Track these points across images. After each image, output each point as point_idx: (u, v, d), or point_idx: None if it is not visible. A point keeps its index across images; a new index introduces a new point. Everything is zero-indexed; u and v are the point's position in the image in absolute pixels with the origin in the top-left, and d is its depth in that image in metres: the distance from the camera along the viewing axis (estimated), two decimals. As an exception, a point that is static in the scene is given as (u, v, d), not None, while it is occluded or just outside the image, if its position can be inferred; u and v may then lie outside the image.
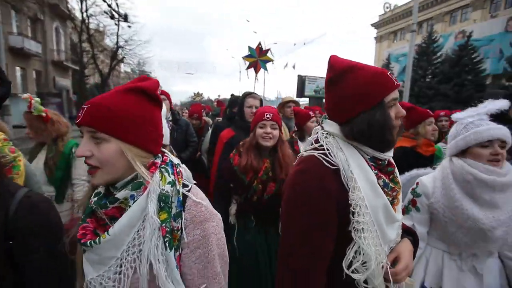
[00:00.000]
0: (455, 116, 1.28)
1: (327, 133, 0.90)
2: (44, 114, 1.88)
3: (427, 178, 1.32)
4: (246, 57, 9.81)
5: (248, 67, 10.09)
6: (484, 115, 1.20)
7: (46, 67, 20.28)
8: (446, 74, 22.13)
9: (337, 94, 0.88)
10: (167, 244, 0.70)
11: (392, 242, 0.90)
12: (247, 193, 1.51)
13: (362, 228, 0.79)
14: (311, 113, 2.39)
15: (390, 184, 0.87)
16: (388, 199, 0.85)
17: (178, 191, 0.76)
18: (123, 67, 25.69)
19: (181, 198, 0.76)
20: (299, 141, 2.30)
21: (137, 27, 18.23)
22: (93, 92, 28.01)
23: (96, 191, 0.77)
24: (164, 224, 0.70)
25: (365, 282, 0.81)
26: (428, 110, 2.64)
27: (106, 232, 0.70)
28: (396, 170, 0.94)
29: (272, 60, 10.39)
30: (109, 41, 20.82)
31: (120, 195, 0.71)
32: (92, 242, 0.69)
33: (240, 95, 3.46)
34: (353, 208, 0.80)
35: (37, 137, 1.94)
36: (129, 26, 17.61)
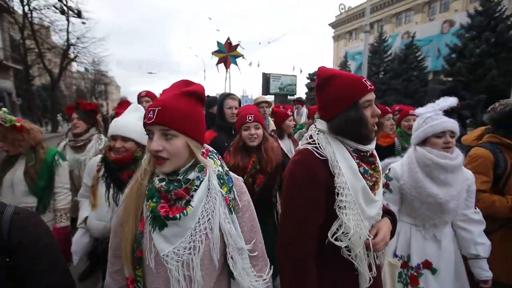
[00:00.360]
0: (417, 111, 1.56)
1: (318, 130, 1.08)
2: (18, 124, 1.78)
3: (397, 165, 1.53)
4: (215, 53, 9.59)
5: (218, 63, 9.93)
6: (439, 111, 1.43)
7: (-20, 67, 17.79)
8: (395, 71, 24.39)
9: (323, 98, 1.07)
10: (232, 209, 0.90)
11: (372, 219, 1.07)
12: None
13: (345, 206, 0.97)
14: (289, 112, 2.59)
15: (370, 171, 1.04)
16: (368, 184, 1.02)
17: (226, 172, 0.96)
18: (76, 67, 23.39)
19: (230, 177, 0.96)
20: (279, 140, 2.49)
21: (91, 24, 16.55)
22: (40, 94, 25.05)
23: (158, 178, 0.86)
24: (227, 195, 0.90)
25: (349, 251, 1.00)
26: (386, 107, 3.02)
27: (190, 205, 0.83)
28: (378, 161, 1.12)
29: (242, 55, 10.39)
30: (58, 38, 18.61)
31: (191, 176, 0.85)
32: (182, 214, 0.80)
33: (211, 95, 3.48)
34: (338, 190, 0.98)
35: (14, 150, 1.81)
36: (83, 23, 15.94)
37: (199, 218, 0.85)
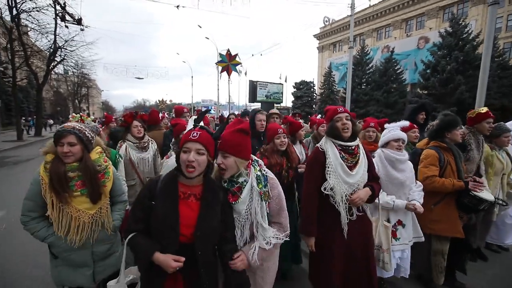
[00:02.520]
0: (386, 125, 2.21)
1: (325, 136, 1.87)
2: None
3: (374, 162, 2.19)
4: (219, 63, 10.74)
5: (222, 71, 11.21)
6: (397, 127, 2.19)
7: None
8: (377, 82, 25.70)
9: (326, 118, 1.91)
10: (262, 198, 1.40)
11: (352, 185, 1.76)
12: (280, 179, 2.18)
13: (330, 173, 1.75)
14: (302, 124, 3.22)
15: (346, 157, 1.78)
16: (346, 164, 1.76)
17: (263, 174, 1.47)
18: (59, 70, 22.73)
19: (266, 177, 1.47)
20: (292, 145, 3.06)
21: (79, 28, 16.21)
22: (16, 96, 24.06)
23: (222, 181, 1.42)
24: (261, 190, 1.40)
25: (333, 198, 1.74)
26: (368, 121, 3.60)
27: (240, 197, 1.37)
28: (359, 154, 1.82)
29: (240, 63, 11.53)
30: (43, 40, 18.07)
31: (240, 180, 1.39)
32: (237, 201, 1.37)
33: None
34: (327, 165, 1.76)
35: None
36: (82, 30, 15.75)
37: (247, 204, 1.38)
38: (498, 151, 2.64)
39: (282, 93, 28.88)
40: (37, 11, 15.68)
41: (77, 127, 1.56)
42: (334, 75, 33.54)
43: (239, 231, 1.40)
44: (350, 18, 14.11)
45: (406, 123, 2.22)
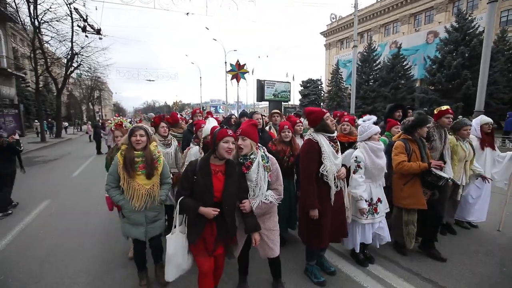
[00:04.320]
0: (360, 122, 2.71)
1: (313, 131, 2.39)
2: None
3: (358, 152, 2.61)
4: (229, 72, 11.95)
5: (232, 79, 12.30)
6: (371, 122, 2.66)
7: (-15, 75, 18.34)
8: (384, 79, 25.66)
9: (311, 119, 2.35)
10: (265, 171, 2.05)
11: (337, 165, 2.36)
12: (282, 163, 2.80)
13: (325, 159, 2.27)
14: (297, 120, 3.77)
15: (333, 145, 2.34)
16: (333, 151, 2.31)
17: (266, 154, 2.13)
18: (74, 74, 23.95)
19: (268, 156, 2.11)
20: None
21: (95, 35, 17.18)
22: (34, 99, 25.50)
23: (239, 158, 2.04)
24: (264, 164, 2.05)
25: (326, 178, 2.28)
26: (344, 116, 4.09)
27: (250, 168, 2.01)
28: (338, 143, 2.43)
29: (248, 71, 12.53)
30: (62, 48, 19.30)
31: (252, 156, 2.03)
32: (248, 172, 2.01)
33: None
34: (323, 152, 2.29)
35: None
36: (100, 39, 16.76)
37: (256, 174, 2.00)
38: (462, 142, 3.13)
39: (289, 91, 29.26)
40: (57, 21, 16.80)
41: (144, 126, 2.27)
42: (341, 72, 33.50)
43: (251, 192, 2.02)
44: (354, 18, 14.43)
45: (374, 117, 2.73)
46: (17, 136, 4.87)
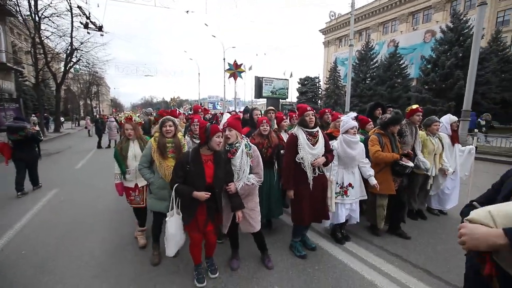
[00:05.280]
0: (342, 118, 3.08)
1: (297, 126, 2.75)
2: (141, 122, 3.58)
3: (335, 143, 3.03)
4: (227, 70, 12.69)
5: (229, 77, 13.03)
6: (351, 118, 3.00)
7: (-16, 69, 18.46)
8: (381, 77, 26.00)
9: (298, 113, 2.88)
10: (248, 157, 2.47)
11: (315, 155, 2.71)
12: (261, 154, 3.08)
13: (300, 149, 2.70)
14: (284, 117, 4.11)
15: (310, 138, 2.73)
16: (309, 143, 2.71)
17: (248, 143, 2.53)
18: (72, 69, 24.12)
19: (250, 145, 2.50)
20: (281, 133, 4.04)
21: (94, 31, 17.32)
22: (32, 94, 25.79)
23: (226, 146, 2.44)
24: (247, 151, 2.47)
25: (303, 164, 2.69)
26: (336, 115, 4.47)
27: (235, 155, 2.42)
28: (318, 136, 2.77)
29: (244, 71, 13.21)
30: (62, 43, 19.45)
31: (237, 145, 2.45)
32: (233, 157, 2.42)
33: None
34: (299, 144, 2.72)
35: (134, 136, 3.10)
36: (102, 35, 16.96)
37: (239, 160, 2.37)
38: (432, 137, 3.52)
39: (287, 88, 29.57)
40: (57, 16, 16.96)
41: (172, 118, 2.77)
42: (339, 70, 33.71)
43: (236, 175, 2.39)
44: (351, 17, 14.73)
45: (354, 114, 3.14)
46: (37, 128, 5.56)
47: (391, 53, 26.11)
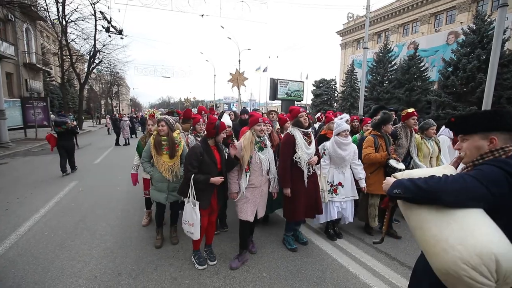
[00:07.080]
0: (335, 119, 3.21)
1: (292, 126, 2.90)
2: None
3: (328, 143, 3.19)
4: (230, 80, 13.75)
5: (232, 87, 13.95)
6: (344, 120, 3.15)
7: (18, 70, 19.93)
8: (399, 80, 25.34)
9: (291, 114, 3.00)
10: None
11: (310, 154, 2.88)
12: None
13: (298, 148, 2.83)
14: (287, 119, 4.30)
15: (305, 138, 2.87)
16: (305, 142, 2.86)
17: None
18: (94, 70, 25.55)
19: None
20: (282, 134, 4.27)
21: (116, 34, 18.32)
22: (58, 94, 27.59)
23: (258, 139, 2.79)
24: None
25: (300, 163, 2.84)
26: (329, 117, 4.57)
27: (266, 145, 2.84)
28: (312, 137, 2.94)
29: (247, 78, 14.07)
30: (86, 46, 20.81)
31: (264, 138, 2.82)
32: (266, 147, 2.83)
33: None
34: (296, 144, 2.84)
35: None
36: (122, 38, 17.98)
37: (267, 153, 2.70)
38: (427, 140, 3.56)
39: (302, 91, 29.50)
40: (82, 20, 18.10)
41: (166, 117, 2.99)
42: (356, 72, 33.17)
43: (268, 166, 2.83)
44: (366, 20, 14.60)
45: (347, 116, 3.27)
46: (75, 122, 6.70)
47: (411, 55, 25.36)
